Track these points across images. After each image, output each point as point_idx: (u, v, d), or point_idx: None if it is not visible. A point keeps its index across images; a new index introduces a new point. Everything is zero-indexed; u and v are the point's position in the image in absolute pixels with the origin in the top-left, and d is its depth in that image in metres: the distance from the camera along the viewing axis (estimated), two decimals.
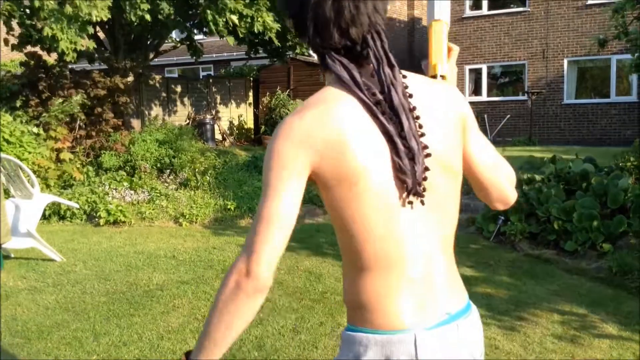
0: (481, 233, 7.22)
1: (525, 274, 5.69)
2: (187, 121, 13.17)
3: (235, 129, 14.34)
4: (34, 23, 9.86)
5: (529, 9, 17.04)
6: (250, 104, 14.89)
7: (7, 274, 5.51)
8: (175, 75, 20.97)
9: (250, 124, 14.84)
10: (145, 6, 8.00)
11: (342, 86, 1.23)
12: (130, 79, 10.46)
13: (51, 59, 11.39)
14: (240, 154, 11.42)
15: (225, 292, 1.15)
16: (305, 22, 1.25)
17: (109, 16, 7.71)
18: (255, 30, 8.78)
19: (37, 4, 7.38)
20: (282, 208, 1.15)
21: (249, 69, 15.51)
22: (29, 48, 10.63)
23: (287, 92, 13.98)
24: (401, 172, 1.20)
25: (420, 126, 1.25)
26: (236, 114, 14.58)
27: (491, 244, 6.86)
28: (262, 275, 1.13)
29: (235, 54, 20.37)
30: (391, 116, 1.21)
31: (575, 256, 6.18)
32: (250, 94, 14.96)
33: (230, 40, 9.84)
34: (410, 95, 1.26)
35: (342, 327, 1.64)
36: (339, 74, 1.24)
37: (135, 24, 8.38)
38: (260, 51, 12.74)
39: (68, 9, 7.23)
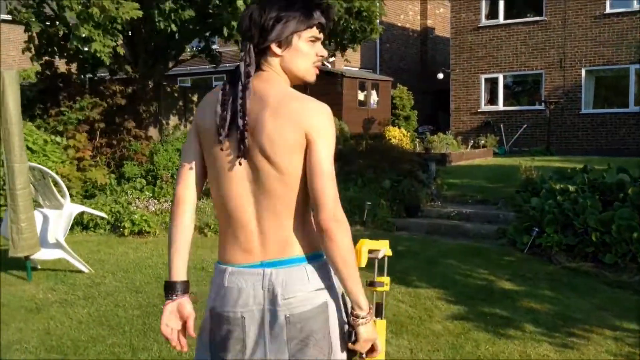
0: (514, 245, 7.05)
1: (566, 288, 5.53)
2: None
3: None
4: (55, 30, 9.81)
5: (545, 18, 16.93)
6: None
7: (36, 285, 5.39)
8: (189, 84, 20.94)
9: None
10: (174, 15, 7.92)
11: None
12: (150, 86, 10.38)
13: (67, 67, 11.34)
14: None
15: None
16: None
17: (140, 14, 7.62)
18: None
19: (65, 2, 7.28)
20: None
21: None
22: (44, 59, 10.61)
23: None
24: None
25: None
26: None
27: (526, 256, 6.70)
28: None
29: None
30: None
31: (615, 269, 6.01)
32: None
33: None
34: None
35: None
36: None
37: (161, 31, 8.29)
38: None
39: (95, 9, 7.14)
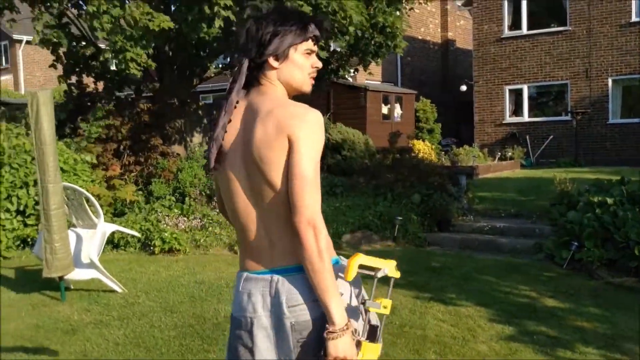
0: (552, 260, 6.87)
1: (611, 304, 5.34)
2: None
3: None
4: (84, 49, 9.87)
5: (570, 28, 16.74)
6: None
7: (70, 306, 5.34)
8: (211, 101, 21.02)
9: None
10: (201, 27, 7.92)
11: None
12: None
13: (95, 87, 11.42)
14: None
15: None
16: None
17: (172, 25, 7.63)
18: None
19: (96, 24, 7.30)
20: None
21: None
22: (72, 79, 10.69)
23: (327, 116, 13.80)
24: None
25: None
26: None
27: (565, 272, 6.52)
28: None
29: None
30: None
31: None
32: None
33: None
34: None
35: None
36: None
37: (190, 44, 8.28)
38: None
39: (128, 19, 7.15)
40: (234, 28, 10.11)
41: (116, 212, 8.28)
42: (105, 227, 5.71)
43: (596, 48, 16.44)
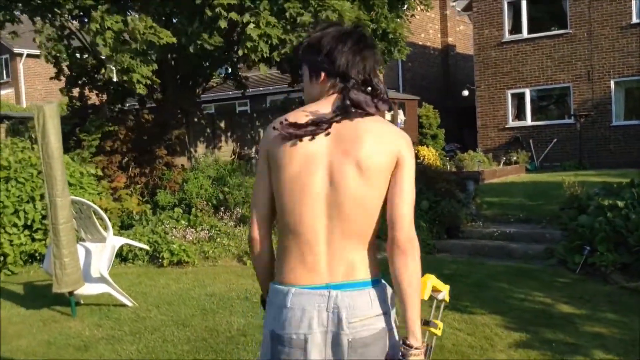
0: (565, 265, 6.80)
1: (628, 310, 5.27)
2: (232, 156, 13.01)
3: None
4: (86, 62, 9.85)
5: (570, 31, 16.72)
6: None
7: (81, 322, 5.28)
8: (212, 111, 21.01)
9: None
10: (201, 40, 7.87)
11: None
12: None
13: (99, 99, 11.39)
14: None
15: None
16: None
17: (175, 41, 7.58)
18: (287, 51, 8.38)
19: (99, 40, 7.27)
20: None
21: (290, 101, 15.37)
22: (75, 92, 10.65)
23: None
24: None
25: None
26: None
27: (579, 277, 6.44)
28: (252, 244, 1.90)
29: (271, 88, 20.36)
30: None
31: None
32: None
33: (263, 69, 9.55)
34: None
35: None
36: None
37: (191, 56, 8.23)
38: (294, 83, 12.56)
39: (136, 33, 7.12)
40: (235, 38, 10.08)
41: (123, 225, 8.22)
42: (115, 241, 5.66)
43: (597, 50, 16.42)
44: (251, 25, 8.06)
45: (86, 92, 10.82)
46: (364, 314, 1.68)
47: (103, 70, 10.34)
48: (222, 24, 7.86)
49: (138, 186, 8.94)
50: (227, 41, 9.58)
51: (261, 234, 1.84)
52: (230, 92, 19.65)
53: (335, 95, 1.78)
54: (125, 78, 7.26)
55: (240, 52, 8.05)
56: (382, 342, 1.70)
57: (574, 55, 16.74)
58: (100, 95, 10.82)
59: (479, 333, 4.74)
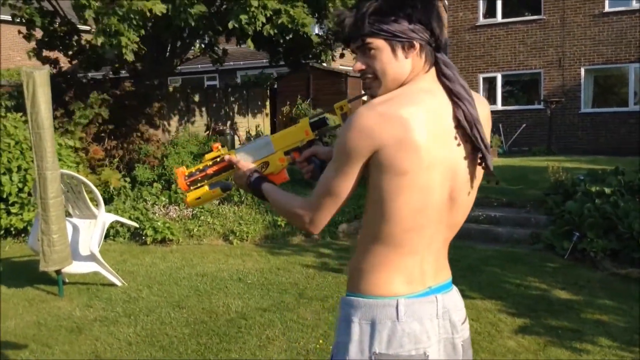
0: (553, 250, 6.84)
1: (624, 297, 5.32)
2: (207, 131, 12.71)
3: (253, 139, 13.90)
4: (59, 27, 9.37)
5: (544, 17, 16.84)
6: (267, 114, 14.45)
7: (69, 302, 5.03)
8: (178, 85, 20.52)
9: (267, 134, 14.41)
10: (187, 11, 7.54)
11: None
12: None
13: (69, 66, 10.91)
14: None
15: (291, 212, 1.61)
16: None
17: (164, 10, 7.23)
18: (284, 22, 8.10)
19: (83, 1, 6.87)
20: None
21: (265, 77, 15.09)
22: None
23: (308, 102, 13.57)
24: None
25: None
26: (253, 124, 14.13)
27: (568, 262, 6.49)
28: (314, 232, 1.58)
29: (242, 63, 19.93)
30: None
31: None
32: (267, 103, 14.51)
33: (250, 44, 9.27)
34: None
35: None
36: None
37: (173, 27, 7.90)
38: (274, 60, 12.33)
39: (123, 2, 6.75)
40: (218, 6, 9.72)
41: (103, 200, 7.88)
42: (106, 217, 5.39)
43: (569, 37, 16.60)
44: None
45: (55, 56, 10.32)
46: (464, 312, 1.64)
47: (76, 37, 9.91)
48: None
49: (115, 159, 8.60)
50: (210, 12, 9.26)
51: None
52: (200, 66, 19.17)
53: (433, 72, 1.53)
54: (113, 41, 6.87)
55: (230, 25, 7.74)
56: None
57: (546, 42, 16.89)
58: (71, 61, 10.35)
59: (482, 319, 4.71)
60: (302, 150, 1.81)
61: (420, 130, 1.42)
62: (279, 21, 7.91)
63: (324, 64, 13.90)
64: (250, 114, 14.10)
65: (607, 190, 6.97)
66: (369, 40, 1.48)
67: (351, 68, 13.45)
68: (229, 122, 13.32)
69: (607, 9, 16.07)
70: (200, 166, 1.88)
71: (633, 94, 16.12)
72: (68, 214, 5.50)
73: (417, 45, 1.49)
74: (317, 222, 1.54)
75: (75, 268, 5.11)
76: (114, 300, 5.07)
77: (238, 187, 1.86)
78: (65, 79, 9.92)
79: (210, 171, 1.87)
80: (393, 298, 1.49)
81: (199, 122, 13.01)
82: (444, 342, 1.53)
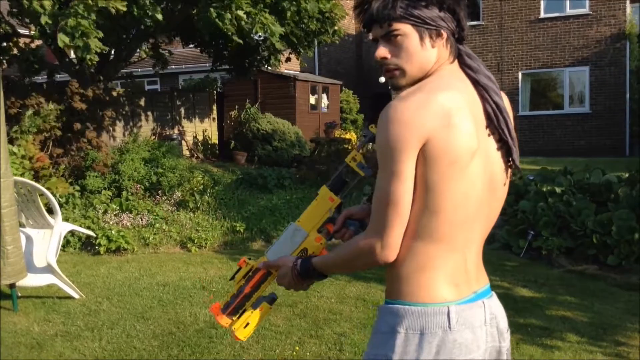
0: (509, 249, 7.00)
1: (584, 293, 5.49)
2: (153, 137, 12.37)
3: (200, 144, 13.63)
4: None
5: (483, 23, 17.34)
6: (214, 118, 14.21)
7: (25, 316, 4.75)
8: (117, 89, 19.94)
9: (214, 139, 14.15)
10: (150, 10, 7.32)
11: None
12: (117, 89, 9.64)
13: (2, 69, 10.40)
14: (213, 170, 10.78)
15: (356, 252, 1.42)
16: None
17: (125, 9, 6.95)
18: (256, 32, 8.06)
19: (35, 3, 6.53)
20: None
21: (210, 81, 14.84)
22: None
23: (256, 105, 13.43)
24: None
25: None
26: (200, 128, 13.86)
27: (525, 260, 6.67)
28: (391, 257, 1.39)
29: (184, 66, 19.58)
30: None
31: (620, 271, 6.08)
32: (214, 107, 14.28)
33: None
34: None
35: None
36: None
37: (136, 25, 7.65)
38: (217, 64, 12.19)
39: (88, 2, 6.44)
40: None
41: (49, 209, 7.52)
42: (61, 227, 5.13)
43: (507, 42, 17.15)
44: None
45: None
46: (506, 319, 1.55)
47: (15, 39, 9.48)
48: None
49: (61, 167, 8.23)
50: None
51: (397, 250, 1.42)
52: (140, 70, 18.68)
53: (456, 63, 1.47)
54: (79, 44, 6.54)
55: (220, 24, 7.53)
56: None
57: (485, 47, 17.38)
58: (10, 65, 9.89)
59: None
60: (335, 220, 1.67)
61: (463, 113, 1.36)
62: (254, 28, 7.78)
63: (269, 68, 13.84)
64: (197, 119, 13.83)
65: (558, 190, 7.20)
66: (396, 25, 1.40)
67: (298, 72, 13.44)
68: (176, 127, 13.02)
69: (542, 14, 16.70)
70: (235, 290, 1.70)
71: (568, 97, 16.79)
72: (21, 224, 5.20)
73: (445, 35, 1.43)
74: (391, 242, 1.36)
75: (31, 281, 4.83)
76: (73, 313, 4.83)
77: (288, 289, 1.65)
78: (6, 83, 9.44)
79: (248, 290, 1.69)
80: (443, 304, 1.39)
81: (145, 127, 12.65)
82: (489, 350, 1.44)
